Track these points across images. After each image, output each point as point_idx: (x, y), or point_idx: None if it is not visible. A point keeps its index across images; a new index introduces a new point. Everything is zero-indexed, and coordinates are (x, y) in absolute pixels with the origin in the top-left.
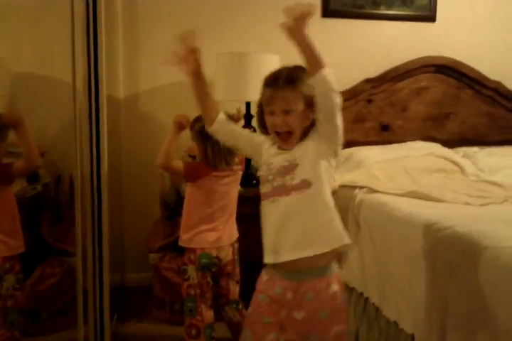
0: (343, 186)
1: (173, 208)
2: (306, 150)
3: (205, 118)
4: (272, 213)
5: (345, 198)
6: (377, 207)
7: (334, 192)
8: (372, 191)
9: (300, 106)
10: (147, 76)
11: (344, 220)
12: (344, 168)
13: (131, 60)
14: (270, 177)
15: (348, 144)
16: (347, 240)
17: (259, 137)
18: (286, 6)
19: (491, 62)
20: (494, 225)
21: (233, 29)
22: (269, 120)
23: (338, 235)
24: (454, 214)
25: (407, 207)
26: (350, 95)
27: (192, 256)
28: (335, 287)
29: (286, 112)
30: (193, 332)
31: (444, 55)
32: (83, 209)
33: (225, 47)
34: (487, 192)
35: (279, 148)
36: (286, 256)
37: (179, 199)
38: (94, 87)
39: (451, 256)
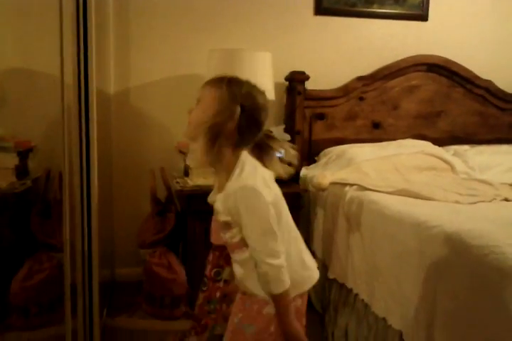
0: (333, 183)
1: (163, 204)
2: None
3: None
4: None
5: (335, 195)
6: (367, 205)
7: (325, 190)
8: (363, 189)
9: (208, 104)
10: (138, 71)
11: (334, 217)
12: (335, 165)
13: (123, 54)
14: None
15: (340, 141)
16: None
17: None
18: None
19: (482, 62)
20: (483, 224)
21: (225, 26)
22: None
23: None
24: (444, 213)
25: (397, 205)
26: (343, 93)
27: None
28: None
29: (197, 102)
30: None
31: (436, 54)
32: (72, 205)
33: (216, 44)
34: (477, 191)
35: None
36: None
37: (170, 195)
38: (83, 81)
39: (440, 255)
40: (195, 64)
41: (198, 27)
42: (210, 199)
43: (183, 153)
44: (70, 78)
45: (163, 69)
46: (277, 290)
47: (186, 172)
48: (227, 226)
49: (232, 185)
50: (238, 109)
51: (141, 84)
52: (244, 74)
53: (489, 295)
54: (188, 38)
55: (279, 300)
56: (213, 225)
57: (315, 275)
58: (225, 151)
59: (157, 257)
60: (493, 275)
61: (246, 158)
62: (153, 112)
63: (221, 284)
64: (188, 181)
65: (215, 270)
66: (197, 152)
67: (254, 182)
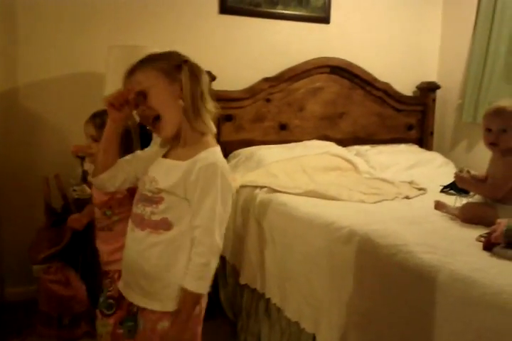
0: (243, 186)
1: (59, 214)
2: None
3: (97, 168)
4: None
5: (246, 198)
6: (277, 207)
7: (235, 192)
8: (273, 191)
9: (159, 82)
10: (27, 67)
11: (245, 221)
12: (244, 167)
13: (8, 47)
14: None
15: (248, 143)
16: None
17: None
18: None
19: (381, 65)
20: (388, 223)
21: (126, 21)
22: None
23: None
24: (351, 213)
25: (306, 206)
26: (250, 94)
27: None
28: None
29: (144, 94)
30: None
31: (338, 57)
32: None
33: (117, 41)
34: (379, 190)
35: (166, 156)
36: None
37: (66, 204)
38: None
39: (350, 256)
40: (93, 61)
41: (97, 21)
42: (135, 157)
43: (80, 157)
44: None
45: (57, 66)
46: (204, 289)
47: (84, 179)
48: (155, 199)
49: (202, 160)
50: (193, 67)
51: (30, 81)
52: None
53: (401, 295)
54: (85, 32)
55: (193, 302)
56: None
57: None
58: (205, 118)
59: (52, 273)
60: (402, 274)
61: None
62: (46, 113)
63: None
64: (87, 188)
65: None
66: (166, 125)
67: (224, 163)
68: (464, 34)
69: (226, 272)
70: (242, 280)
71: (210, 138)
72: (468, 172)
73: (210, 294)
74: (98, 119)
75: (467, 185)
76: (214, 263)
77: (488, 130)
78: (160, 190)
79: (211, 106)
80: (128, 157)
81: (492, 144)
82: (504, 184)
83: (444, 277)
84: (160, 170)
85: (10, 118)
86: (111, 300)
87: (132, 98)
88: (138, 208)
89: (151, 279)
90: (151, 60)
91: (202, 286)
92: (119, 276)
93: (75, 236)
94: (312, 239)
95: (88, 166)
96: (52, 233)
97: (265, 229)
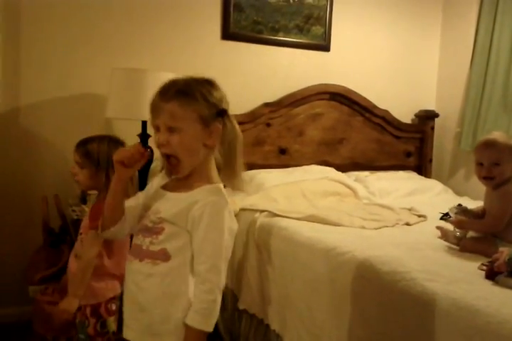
0: (243, 209)
1: (57, 234)
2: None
3: (105, 223)
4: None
5: (245, 222)
6: (277, 232)
7: (235, 216)
8: (273, 215)
9: (192, 128)
10: (30, 88)
11: (245, 244)
12: (245, 190)
13: (12, 69)
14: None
15: (248, 166)
16: None
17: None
18: None
19: (380, 92)
20: (389, 249)
21: (130, 45)
22: (154, 137)
23: None
24: (352, 239)
25: (307, 231)
26: (250, 118)
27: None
28: None
29: (172, 130)
30: None
31: (338, 84)
32: None
33: (120, 63)
34: (379, 216)
35: (165, 187)
36: None
37: (65, 224)
38: None
39: (351, 282)
40: (95, 83)
41: (101, 43)
42: (136, 201)
43: None
44: None
45: (58, 87)
46: (211, 326)
47: (83, 200)
48: (156, 229)
49: (208, 194)
50: (221, 123)
51: (32, 102)
52: (148, 95)
53: (403, 322)
54: (87, 54)
55: (197, 339)
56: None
57: None
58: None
59: (49, 294)
60: (404, 301)
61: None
62: (46, 133)
63: (111, 335)
64: (86, 209)
65: (99, 323)
66: (184, 168)
67: (230, 205)
68: (462, 64)
69: (224, 297)
70: (241, 305)
71: (214, 174)
72: (464, 208)
73: None
74: (82, 148)
75: (468, 227)
76: (219, 300)
77: (480, 164)
78: (162, 220)
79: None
80: (132, 202)
81: (485, 178)
82: (502, 216)
83: (447, 305)
84: (161, 200)
85: (10, 137)
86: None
87: (148, 155)
88: (138, 239)
89: (148, 311)
90: (192, 98)
91: (208, 323)
92: (91, 312)
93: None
94: (313, 264)
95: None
96: (50, 253)
97: (265, 254)
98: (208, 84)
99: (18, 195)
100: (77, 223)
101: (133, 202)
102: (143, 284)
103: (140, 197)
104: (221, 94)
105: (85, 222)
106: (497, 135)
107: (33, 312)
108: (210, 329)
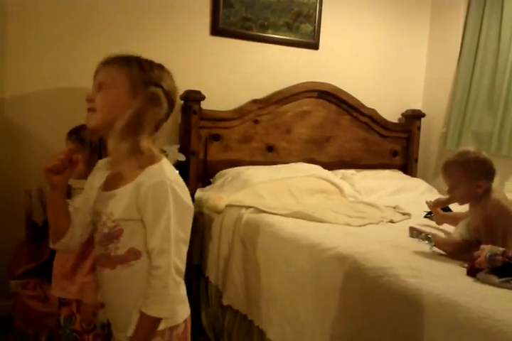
0: (229, 206)
1: (40, 228)
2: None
3: (53, 234)
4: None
5: (231, 218)
6: (263, 228)
7: (221, 212)
8: (259, 211)
9: (119, 88)
10: (16, 80)
11: (230, 241)
12: (231, 187)
13: None
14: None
15: (235, 163)
16: None
17: None
18: None
19: (368, 91)
20: (373, 246)
21: (119, 39)
22: None
23: None
24: (337, 235)
25: (293, 227)
26: (238, 115)
27: None
28: None
29: (100, 87)
30: None
31: (326, 82)
32: None
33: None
34: (364, 213)
35: (107, 187)
36: None
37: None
38: None
39: (335, 277)
40: (82, 76)
41: (88, 36)
42: (82, 201)
43: None
44: None
45: (45, 80)
46: (165, 313)
47: (69, 194)
48: (115, 233)
49: (148, 177)
50: (161, 93)
51: (18, 93)
52: None
53: (386, 318)
54: (75, 47)
55: (152, 327)
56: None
57: (188, 308)
58: (140, 139)
59: (31, 289)
60: (387, 297)
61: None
62: (32, 126)
63: (99, 330)
64: (71, 203)
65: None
66: (97, 116)
67: (176, 179)
68: (449, 64)
69: (209, 293)
70: (225, 302)
71: (155, 152)
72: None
73: (191, 315)
74: (73, 136)
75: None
76: (173, 284)
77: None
78: (117, 222)
79: (151, 140)
80: (70, 209)
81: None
82: (495, 234)
83: (429, 301)
84: (108, 201)
85: None
86: (75, 334)
87: (76, 157)
88: (100, 249)
89: (134, 309)
90: (127, 62)
91: (160, 310)
92: (78, 307)
93: (56, 252)
94: (297, 260)
95: (71, 181)
96: (33, 248)
97: (250, 250)
98: (156, 64)
99: (1, 188)
100: None
101: (71, 208)
102: (126, 289)
103: (78, 202)
104: (163, 74)
105: None
106: (455, 154)
107: (13, 307)
108: (164, 315)
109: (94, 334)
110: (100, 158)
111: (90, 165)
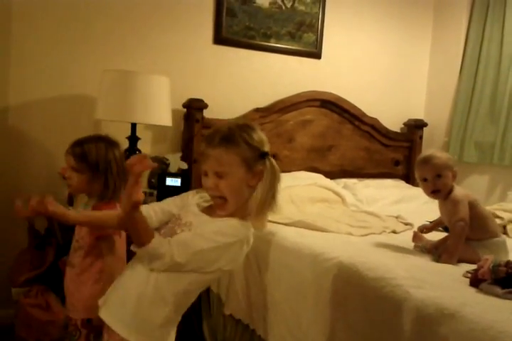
0: None
1: (42, 236)
2: None
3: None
4: None
5: None
6: (264, 237)
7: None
8: None
9: (237, 171)
10: (20, 88)
11: None
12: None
13: (1, 69)
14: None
15: None
16: None
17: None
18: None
19: (369, 101)
20: (376, 256)
21: (122, 47)
22: (202, 181)
23: None
24: (338, 245)
25: (295, 236)
26: None
27: None
28: None
29: (219, 175)
30: None
31: (328, 91)
32: None
33: (111, 65)
34: (366, 223)
35: (205, 211)
36: None
37: (51, 226)
38: None
39: (337, 287)
40: (85, 84)
41: (92, 45)
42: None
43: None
44: None
45: (48, 87)
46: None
47: (70, 201)
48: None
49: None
50: (271, 159)
51: (21, 102)
52: (138, 98)
53: (388, 328)
54: (78, 55)
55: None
56: None
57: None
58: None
59: (33, 297)
60: (389, 307)
61: None
62: (35, 134)
63: None
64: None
65: (92, 334)
66: (230, 208)
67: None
68: (451, 74)
69: (210, 302)
70: (227, 311)
71: (249, 212)
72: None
73: (193, 324)
74: (78, 149)
75: (449, 245)
76: (158, 263)
77: (424, 180)
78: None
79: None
80: (156, 207)
81: (433, 192)
82: (465, 216)
83: (432, 311)
84: (195, 217)
85: None
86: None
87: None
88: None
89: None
90: (235, 143)
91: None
92: (82, 323)
93: (58, 260)
94: (299, 269)
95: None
96: (35, 255)
97: (252, 258)
98: (249, 128)
99: (3, 196)
100: (63, 226)
101: (157, 207)
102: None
103: (169, 204)
104: (261, 136)
105: (83, 231)
106: (431, 151)
107: (15, 315)
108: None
109: None
110: (106, 183)
111: (91, 186)
